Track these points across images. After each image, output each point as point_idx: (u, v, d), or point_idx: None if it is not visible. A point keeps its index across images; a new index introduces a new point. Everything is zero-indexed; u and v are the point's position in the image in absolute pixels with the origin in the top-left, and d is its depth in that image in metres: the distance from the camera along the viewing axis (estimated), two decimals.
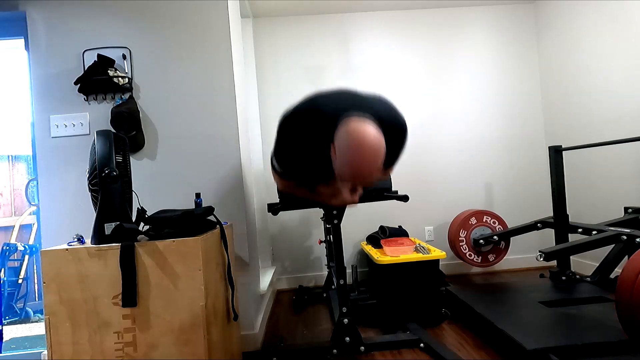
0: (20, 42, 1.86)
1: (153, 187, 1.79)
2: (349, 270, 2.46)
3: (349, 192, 1.33)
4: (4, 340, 1.74)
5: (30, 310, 2.88)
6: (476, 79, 3.00)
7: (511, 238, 2.63)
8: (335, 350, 1.64)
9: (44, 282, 1.18)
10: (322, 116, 1.23)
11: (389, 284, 2.03)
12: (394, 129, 1.30)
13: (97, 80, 1.75)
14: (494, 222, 2.66)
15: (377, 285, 2.15)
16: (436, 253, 2.07)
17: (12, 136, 3.03)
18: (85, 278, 1.18)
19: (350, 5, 2.87)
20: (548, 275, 2.26)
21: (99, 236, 1.22)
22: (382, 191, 1.71)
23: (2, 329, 1.69)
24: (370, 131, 1.10)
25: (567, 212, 2.25)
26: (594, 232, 1.88)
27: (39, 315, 2.84)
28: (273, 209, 1.63)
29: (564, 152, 2.28)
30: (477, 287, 2.29)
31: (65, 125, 1.80)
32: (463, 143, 2.99)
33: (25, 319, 2.83)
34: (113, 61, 1.79)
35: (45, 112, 1.80)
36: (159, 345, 1.18)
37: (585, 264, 2.62)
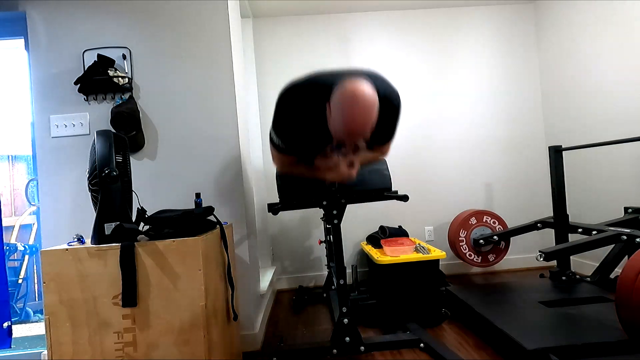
0: (20, 42, 1.86)
1: (153, 187, 1.79)
2: (349, 270, 2.46)
3: (346, 166, 1.38)
4: (12, 337, 1.75)
5: (30, 310, 2.88)
6: (476, 79, 3.00)
7: (511, 238, 2.63)
8: (335, 350, 1.64)
9: (44, 282, 1.18)
10: (319, 85, 1.31)
11: (389, 284, 2.03)
12: (388, 100, 1.35)
13: (97, 80, 1.75)
14: (494, 222, 2.66)
15: (377, 285, 2.15)
16: (436, 253, 2.07)
17: (12, 136, 3.03)
18: (85, 278, 1.18)
19: (350, 5, 2.87)
20: (548, 275, 2.25)
21: (99, 236, 1.22)
22: (382, 191, 1.71)
23: (10, 325, 1.70)
24: (363, 86, 1.19)
25: (567, 212, 2.25)
26: (594, 232, 1.88)
27: (39, 315, 2.84)
28: (273, 209, 1.63)
29: (564, 152, 2.28)
30: (477, 287, 2.29)
31: (65, 125, 1.80)
32: (463, 143, 2.99)
33: (25, 319, 2.83)
34: (113, 61, 1.79)
35: (45, 112, 1.80)
36: (159, 345, 1.18)
37: (585, 264, 2.62)
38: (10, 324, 1.71)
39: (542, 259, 1.77)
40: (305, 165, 1.54)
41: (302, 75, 1.40)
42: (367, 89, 1.19)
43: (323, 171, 1.47)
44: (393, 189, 1.75)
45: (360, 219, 2.87)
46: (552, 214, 2.32)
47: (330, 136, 1.32)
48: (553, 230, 2.29)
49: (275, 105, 1.44)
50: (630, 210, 2.10)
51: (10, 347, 1.75)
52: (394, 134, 1.55)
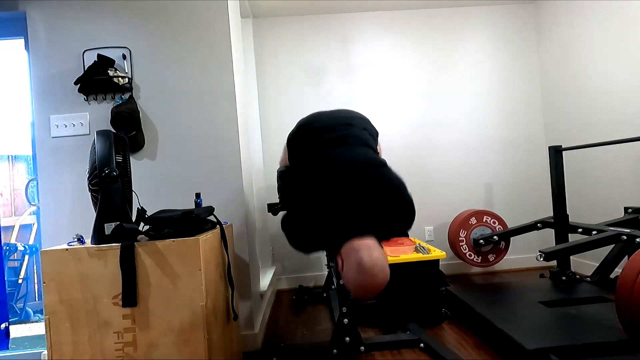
0: (20, 42, 1.86)
1: (153, 187, 1.79)
2: None
3: None
4: (10, 338, 1.75)
5: (30, 310, 2.88)
6: (476, 79, 3.00)
7: (511, 238, 2.63)
8: (335, 350, 1.64)
9: (44, 282, 1.18)
10: (324, 220, 1.23)
11: (389, 284, 2.02)
12: (400, 211, 1.28)
13: (97, 80, 1.75)
14: (494, 222, 2.66)
15: None
16: (436, 253, 2.07)
17: (12, 136, 3.03)
18: (85, 278, 1.18)
19: (350, 5, 2.87)
20: (548, 275, 2.25)
21: (99, 236, 1.22)
22: None
23: (8, 326, 1.70)
24: (376, 260, 1.14)
25: (567, 212, 2.25)
26: (594, 232, 1.88)
27: (39, 315, 2.84)
28: (273, 209, 1.63)
29: (564, 152, 2.28)
30: (477, 287, 2.29)
31: (65, 125, 1.80)
32: (463, 143, 2.99)
33: (25, 319, 2.83)
34: (113, 61, 1.79)
35: (45, 112, 1.80)
36: (159, 345, 1.18)
37: (585, 264, 2.62)
38: (7, 325, 1.70)
39: (542, 259, 1.77)
40: None
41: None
42: (379, 263, 1.15)
43: None
44: None
45: None
46: (552, 214, 2.32)
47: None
48: (553, 230, 2.29)
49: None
50: (630, 210, 2.10)
51: (8, 349, 1.74)
52: (410, 227, 1.37)
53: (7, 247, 2.89)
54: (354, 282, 1.17)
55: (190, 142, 1.83)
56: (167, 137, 1.83)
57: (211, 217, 1.45)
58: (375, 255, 1.16)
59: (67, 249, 1.20)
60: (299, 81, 2.92)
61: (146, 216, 1.30)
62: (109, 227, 1.22)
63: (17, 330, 2.55)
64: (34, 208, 2.97)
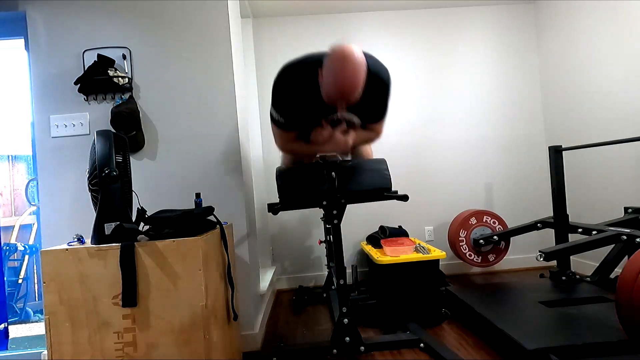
0: (20, 42, 1.86)
1: (153, 187, 1.79)
2: (349, 270, 2.45)
3: (342, 134, 1.51)
4: (9, 338, 1.75)
5: (30, 310, 2.88)
6: (476, 79, 3.00)
7: (511, 238, 2.63)
8: (335, 350, 1.63)
9: (44, 282, 1.18)
10: (312, 61, 1.45)
11: (389, 284, 2.03)
12: (377, 77, 1.46)
13: (97, 80, 1.75)
14: (494, 222, 2.66)
15: (377, 285, 2.15)
16: (436, 253, 2.07)
17: (12, 136, 3.03)
18: (85, 278, 1.18)
19: (350, 5, 2.87)
20: (548, 275, 2.25)
21: (99, 236, 1.22)
22: (382, 191, 1.71)
23: (7, 327, 1.70)
24: (351, 46, 1.31)
25: (567, 212, 2.25)
26: (594, 232, 1.88)
27: (39, 315, 2.84)
28: (273, 209, 1.63)
29: (564, 152, 2.28)
30: (477, 287, 2.29)
31: (65, 125, 1.80)
32: (463, 143, 2.99)
33: (25, 319, 2.83)
34: (113, 61, 1.79)
35: (45, 112, 1.80)
36: (159, 345, 1.18)
37: (585, 264, 2.62)
38: (6, 325, 1.70)
39: (542, 259, 1.77)
40: (305, 141, 1.63)
41: (297, 56, 1.54)
42: (355, 49, 1.32)
43: (322, 144, 1.55)
44: (393, 189, 1.74)
45: (360, 219, 2.87)
46: (552, 214, 2.32)
47: (325, 108, 1.44)
48: (553, 230, 2.29)
49: (273, 83, 1.56)
50: (630, 210, 2.10)
51: (7, 349, 1.73)
52: (386, 111, 1.62)
53: (7, 247, 2.89)
54: (330, 71, 1.32)
55: (190, 142, 1.83)
56: (167, 137, 1.83)
57: (211, 217, 1.45)
58: (349, 44, 1.31)
59: (67, 249, 1.20)
60: None
61: (146, 216, 1.30)
62: (109, 227, 1.22)
63: (17, 330, 2.55)
64: (34, 208, 2.97)
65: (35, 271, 3.00)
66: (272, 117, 1.62)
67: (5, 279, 2.79)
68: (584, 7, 2.54)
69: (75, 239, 1.29)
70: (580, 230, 2.01)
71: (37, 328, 2.57)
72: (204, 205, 1.58)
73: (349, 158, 1.75)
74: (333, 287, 2.38)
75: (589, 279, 2.08)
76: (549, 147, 2.30)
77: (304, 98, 1.48)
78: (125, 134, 1.71)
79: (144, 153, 1.83)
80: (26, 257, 2.94)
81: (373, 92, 1.41)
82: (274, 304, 2.56)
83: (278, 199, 1.72)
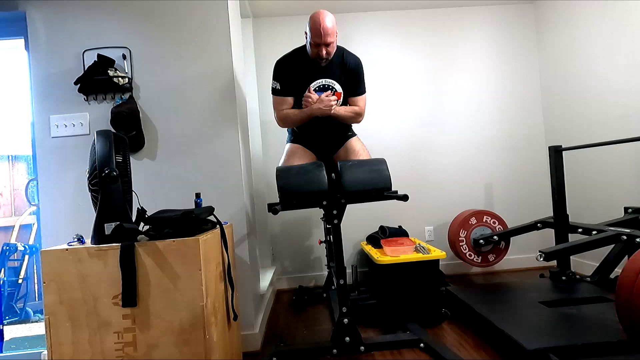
0: (20, 42, 1.86)
1: (153, 187, 1.79)
2: (349, 270, 2.45)
3: (326, 96, 1.90)
4: (4, 340, 1.74)
5: (30, 310, 2.88)
6: (476, 79, 3.00)
7: (511, 238, 2.62)
8: (335, 350, 1.64)
9: (44, 282, 1.18)
10: (302, 47, 1.99)
11: (389, 284, 2.03)
12: (350, 57, 2.05)
13: (97, 80, 1.75)
14: (494, 222, 2.66)
15: (377, 285, 2.15)
16: (436, 253, 2.07)
17: (12, 136, 3.03)
18: (85, 278, 1.18)
19: (350, 5, 2.87)
20: (548, 275, 2.25)
21: (99, 236, 1.22)
22: (382, 191, 1.71)
23: (2, 329, 1.69)
24: (325, 11, 1.88)
25: (567, 212, 2.25)
26: (594, 232, 1.88)
27: (39, 315, 2.84)
28: (273, 209, 1.63)
29: (564, 152, 2.28)
30: (477, 287, 2.29)
31: (65, 125, 1.80)
32: (463, 143, 2.99)
33: (25, 319, 2.83)
34: (113, 61, 1.79)
35: (45, 112, 1.80)
36: (159, 345, 1.18)
37: (585, 264, 2.62)
38: (2, 327, 1.68)
39: (542, 259, 1.77)
40: (298, 107, 1.97)
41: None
42: (327, 11, 1.89)
43: (311, 107, 1.90)
44: (393, 189, 1.74)
45: (360, 219, 2.87)
46: (552, 214, 2.32)
47: (312, 74, 1.93)
48: (553, 230, 2.29)
49: (275, 62, 2.01)
50: (630, 210, 2.10)
51: (2, 352, 1.72)
52: (362, 87, 2.09)
53: (7, 247, 2.89)
54: (311, 26, 1.85)
55: (190, 142, 1.83)
56: (167, 137, 1.83)
57: (211, 217, 1.45)
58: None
59: (67, 249, 1.20)
60: None
61: (146, 216, 1.30)
62: (109, 227, 1.22)
63: (17, 330, 2.55)
64: (34, 208, 2.97)
65: (35, 271, 3.00)
66: (272, 89, 2.00)
67: (5, 279, 2.81)
68: (584, 7, 2.54)
69: (75, 239, 1.29)
70: (580, 230, 2.01)
71: (37, 328, 2.57)
72: (204, 205, 1.58)
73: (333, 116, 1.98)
74: (333, 287, 2.38)
75: (589, 279, 2.08)
76: (549, 147, 2.30)
77: (295, 67, 1.94)
78: (125, 134, 1.71)
79: (144, 153, 1.83)
80: (26, 257, 2.94)
81: (347, 70, 1.99)
82: (274, 304, 2.56)
83: (278, 199, 1.72)
